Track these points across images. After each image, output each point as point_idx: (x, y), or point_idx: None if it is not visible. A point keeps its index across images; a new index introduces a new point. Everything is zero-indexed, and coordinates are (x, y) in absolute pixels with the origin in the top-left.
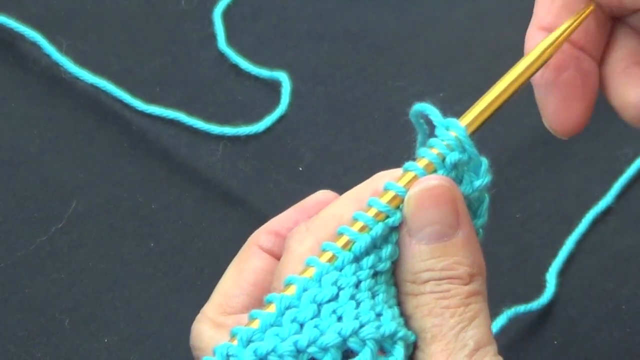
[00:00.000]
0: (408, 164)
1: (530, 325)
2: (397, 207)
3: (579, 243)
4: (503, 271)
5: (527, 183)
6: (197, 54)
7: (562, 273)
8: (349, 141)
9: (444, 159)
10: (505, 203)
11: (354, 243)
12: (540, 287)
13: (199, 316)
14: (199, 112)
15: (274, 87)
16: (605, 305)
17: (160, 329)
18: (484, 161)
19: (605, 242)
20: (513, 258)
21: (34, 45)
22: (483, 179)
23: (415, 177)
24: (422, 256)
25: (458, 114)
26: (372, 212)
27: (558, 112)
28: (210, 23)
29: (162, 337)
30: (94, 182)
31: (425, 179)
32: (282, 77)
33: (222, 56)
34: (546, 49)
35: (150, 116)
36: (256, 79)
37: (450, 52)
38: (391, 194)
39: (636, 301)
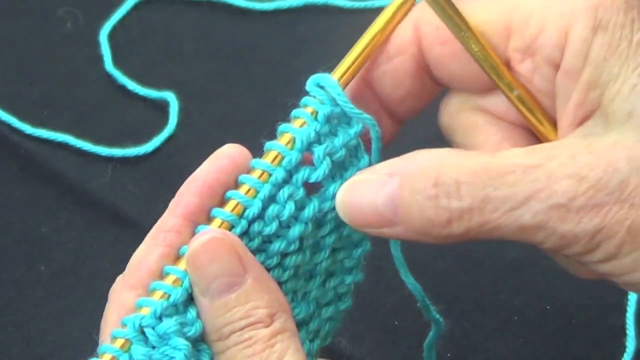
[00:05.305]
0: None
1: None
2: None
3: None
4: None
5: None
6: (84, 76)
7: None
8: None
9: (316, 115)
10: None
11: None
12: None
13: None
14: (87, 134)
15: (162, 107)
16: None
17: (53, 352)
18: (355, 112)
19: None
20: None
21: None
22: (357, 127)
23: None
24: (218, 312)
25: None
26: (170, 279)
27: None
28: (96, 45)
29: None
30: None
31: (196, 237)
32: (170, 97)
33: (109, 78)
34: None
35: (38, 139)
36: (144, 99)
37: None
38: (171, 277)
39: (528, 311)
